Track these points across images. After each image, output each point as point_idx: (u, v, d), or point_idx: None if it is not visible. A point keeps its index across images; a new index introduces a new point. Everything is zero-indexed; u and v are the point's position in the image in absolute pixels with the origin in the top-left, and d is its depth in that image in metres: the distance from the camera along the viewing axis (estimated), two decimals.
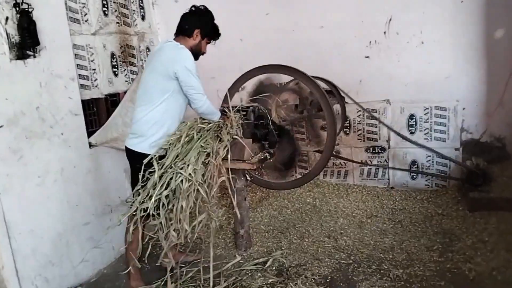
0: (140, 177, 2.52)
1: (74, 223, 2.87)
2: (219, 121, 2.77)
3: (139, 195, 2.49)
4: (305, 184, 4.41)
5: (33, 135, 2.57)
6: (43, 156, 2.64)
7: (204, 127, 2.75)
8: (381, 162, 4.22)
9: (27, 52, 2.52)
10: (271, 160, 3.03)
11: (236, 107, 2.91)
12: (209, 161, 2.59)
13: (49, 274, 2.66)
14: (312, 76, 3.79)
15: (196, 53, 2.71)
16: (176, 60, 2.53)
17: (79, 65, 3.05)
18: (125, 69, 3.55)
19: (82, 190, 2.94)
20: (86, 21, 3.13)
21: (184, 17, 2.71)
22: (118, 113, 3.37)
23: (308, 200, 4.08)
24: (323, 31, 4.13)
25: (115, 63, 3.43)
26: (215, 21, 2.75)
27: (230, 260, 3.01)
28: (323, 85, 3.98)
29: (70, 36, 2.93)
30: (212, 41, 2.79)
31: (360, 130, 4.23)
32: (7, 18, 2.41)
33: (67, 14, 2.90)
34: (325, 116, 3.06)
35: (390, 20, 3.93)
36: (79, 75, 3.05)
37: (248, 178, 3.08)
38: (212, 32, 2.74)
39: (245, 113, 2.93)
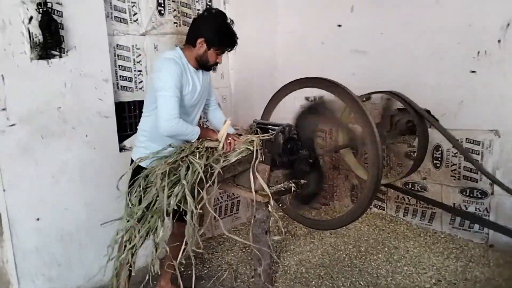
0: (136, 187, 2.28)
1: (90, 226, 2.81)
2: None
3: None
4: (378, 220, 3.69)
5: (50, 134, 2.57)
6: (60, 156, 2.62)
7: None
8: (479, 211, 3.20)
9: (52, 52, 2.52)
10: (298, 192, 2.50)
11: (258, 124, 2.46)
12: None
13: (53, 273, 2.67)
14: (386, 92, 3.07)
15: (203, 64, 2.32)
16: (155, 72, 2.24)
17: (122, 66, 2.99)
18: None
19: (105, 194, 2.86)
20: (135, 21, 3.04)
21: (192, 22, 2.33)
22: None
23: (372, 240, 3.34)
24: (418, 35, 3.31)
25: None
26: (229, 26, 2.26)
27: None
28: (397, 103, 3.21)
29: (113, 36, 2.89)
30: (226, 50, 2.33)
31: (455, 165, 3.27)
32: (31, 18, 2.42)
33: (110, 13, 2.85)
34: (367, 142, 2.36)
35: (508, 25, 2.90)
36: (121, 76, 2.99)
37: (270, 209, 2.58)
38: (217, 42, 2.24)
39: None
